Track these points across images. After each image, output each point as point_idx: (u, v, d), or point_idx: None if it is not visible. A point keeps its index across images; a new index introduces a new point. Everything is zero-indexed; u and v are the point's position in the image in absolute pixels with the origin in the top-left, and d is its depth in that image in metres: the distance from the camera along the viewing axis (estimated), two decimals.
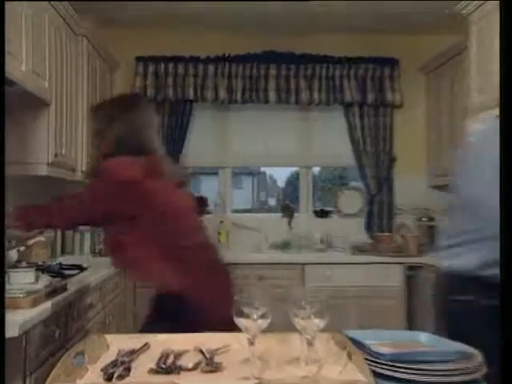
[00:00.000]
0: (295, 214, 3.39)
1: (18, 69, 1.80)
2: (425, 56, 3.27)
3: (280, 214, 3.41)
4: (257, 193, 5.89)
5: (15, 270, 1.46)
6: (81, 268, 2.16)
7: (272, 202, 5.97)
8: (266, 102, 3.25)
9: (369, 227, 3.31)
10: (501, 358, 0.78)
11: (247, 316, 0.83)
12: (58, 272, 1.83)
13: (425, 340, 0.96)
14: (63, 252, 2.85)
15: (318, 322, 0.83)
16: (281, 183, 5.45)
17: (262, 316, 0.84)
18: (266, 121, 3.41)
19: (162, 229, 1.46)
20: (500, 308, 0.81)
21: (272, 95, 3.23)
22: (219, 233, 3.27)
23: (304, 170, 3.53)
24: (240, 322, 0.83)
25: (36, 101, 2.06)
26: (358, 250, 3.07)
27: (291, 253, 3.11)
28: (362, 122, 3.30)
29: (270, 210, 5.01)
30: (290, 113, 3.39)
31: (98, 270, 2.19)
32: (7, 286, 1.35)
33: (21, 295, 1.38)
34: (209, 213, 3.40)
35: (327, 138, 3.40)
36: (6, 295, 1.30)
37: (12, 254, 1.94)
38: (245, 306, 0.85)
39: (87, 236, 2.91)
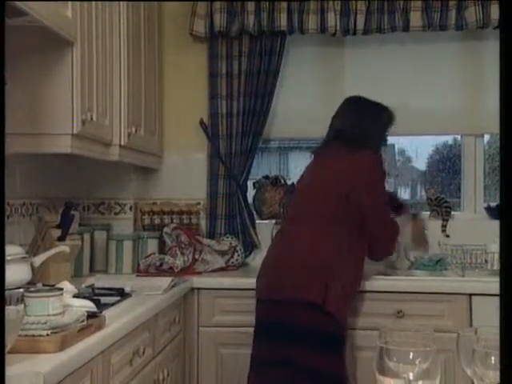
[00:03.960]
0: (453, 214, 3.27)
1: None
2: None
3: (425, 213, 3.29)
4: None
5: (33, 294, 1.49)
6: (122, 293, 2.19)
7: (405, 193, 5.76)
8: (406, 28, 3.10)
9: None
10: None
11: (395, 375, 0.88)
12: (91, 299, 1.84)
13: None
14: (92, 269, 2.93)
15: None
16: (420, 163, 5.21)
17: (422, 376, 0.88)
18: (402, 62, 3.31)
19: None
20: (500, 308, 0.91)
21: (416, 17, 3.10)
22: None
23: (468, 140, 3.35)
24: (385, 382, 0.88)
25: (54, 39, 2.10)
26: None
27: (449, 275, 2.93)
28: None
29: None
30: (444, 46, 3.25)
31: (146, 298, 2.22)
32: (25, 319, 1.38)
33: (44, 332, 1.42)
34: None
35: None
36: (22, 332, 1.35)
37: (23, 270, 1.99)
38: (391, 356, 0.90)
39: (128, 246, 2.95)
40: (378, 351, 0.96)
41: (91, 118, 2.32)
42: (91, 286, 2.27)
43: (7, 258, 1.87)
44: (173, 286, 2.45)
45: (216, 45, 3.22)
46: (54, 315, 1.47)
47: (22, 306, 1.47)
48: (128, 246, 2.96)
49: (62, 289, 1.56)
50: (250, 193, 3.34)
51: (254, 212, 3.30)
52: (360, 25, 3.08)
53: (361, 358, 2.61)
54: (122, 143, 2.64)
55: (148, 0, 2.99)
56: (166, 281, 2.43)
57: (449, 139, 3.84)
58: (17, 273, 1.95)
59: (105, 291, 2.19)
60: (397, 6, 3.08)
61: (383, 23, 3.08)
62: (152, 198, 3.29)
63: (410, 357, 0.89)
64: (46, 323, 1.43)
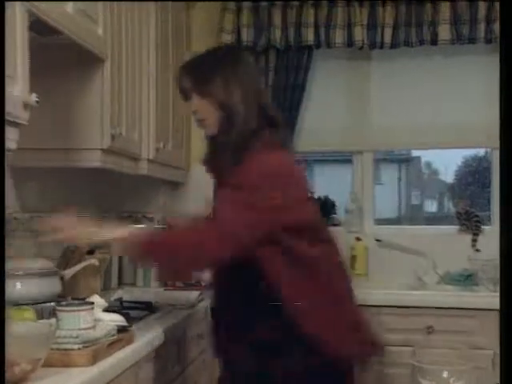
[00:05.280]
0: (483, 228, 3.22)
1: (63, 10, 1.85)
2: None
3: (455, 227, 3.24)
4: (406, 191, 5.69)
5: (65, 308, 1.51)
6: (150, 307, 2.20)
7: (431, 206, 5.73)
8: (434, 42, 3.09)
9: None
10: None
11: None
12: (120, 312, 1.85)
13: None
14: (120, 282, 2.94)
15: None
16: (447, 176, 5.19)
17: None
18: (429, 75, 3.29)
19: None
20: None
21: (444, 30, 3.08)
22: (353, 256, 3.17)
23: (498, 154, 3.31)
24: None
25: (86, 56, 2.13)
26: None
27: (479, 291, 2.89)
28: None
29: (431, 219, 4.78)
30: (472, 59, 3.23)
31: (174, 312, 2.23)
32: (57, 333, 1.40)
33: (75, 346, 1.44)
34: (336, 224, 3.34)
35: None
36: (54, 345, 1.36)
37: (53, 284, 2.01)
38: (424, 375, 0.91)
39: None
40: (412, 369, 0.96)
41: (120, 133, 2.35)
42: (120, 300, 2.29)
43: (39, 271, 1.91)
44: (200, 300, 2.45)
45: None
46: (85, 329, 1.48)
47: (54, 319, 1.49)
48: None
49: (92, 303, 1.58)
50: None
51: None
52: (387, 38, 3.08)
53: (390, 374, 2.59)
54: (151, 157, 2.66)
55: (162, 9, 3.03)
56: (193, 294, 2.44)
57: (479, 151, 3.81)
58: (47, 286, 1.96)
59: (133, 305, 2.21)
60: (425, 18, 3.07)
61: (411, 37, 3.08)
62: (179, 212, 3.31)
63: (444, 375, 0.88)
64: (77, 337, 1.45)
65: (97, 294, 2.04)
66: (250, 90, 1.75)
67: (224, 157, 1.72)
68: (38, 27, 1.77)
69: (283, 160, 1.74)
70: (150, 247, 1.67)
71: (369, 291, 2.84)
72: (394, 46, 3.10)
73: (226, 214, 1.65)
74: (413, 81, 3.29)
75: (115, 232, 1.72)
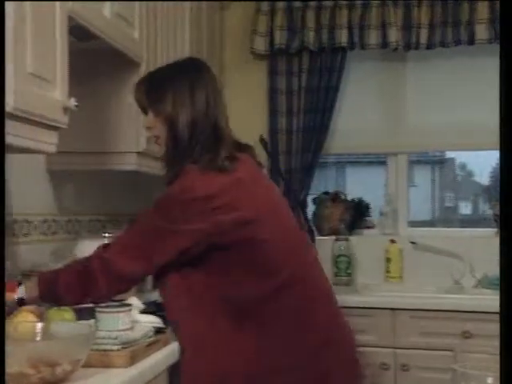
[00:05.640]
0: None
1: (100, 15, 1.87)
2: None
3: (492, 230, 3.19)
4: (440, 193, 5.63)
5: (104, 310, 1.52)
6: None
7: (466, 208, 5.65)
8: (471, 42, 3.05)
9: None
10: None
11: None
12: (156, 314, 1.86)
13: None
14: (155, 285, 2.95)
15: None
16: (482, 177, 5.11)
17: None
18: (465, 75, 3.24)
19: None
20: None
21: (481, 30, 3.03)
22: (387, 259, 3.15)
23: None
24: None
25: (122, 60, 2.15)
26: None
27: None
28: None
29: (466, 222, 4.71)
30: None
31: None
32: (96, 334, 1.40)
33: (114, 347, 1.45)
34: (370, 226, 3.32)
35: None
36: (93, 346, 1.37)
37: None
38: (468, 381, 0.89)
39: None
40: (453, 374, 0.94)
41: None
42: (155, 302, 2.30)
43: None
44: None
45: (276, 62, 3.24)
46: (124, 330, 1.49)
47: (93, 320, 1.51)
48: None
49: (130, 304, 1.60)
50: (310, 209, 3.34)
51: (314, 228, 3.30)
52: (423, 39, 3.04)
53: (426, 378, 2.56)
54: None
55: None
56: None
57: None
58: None
59: None
60: (461, 18, 3.03)
61: (447, 37, 3.04)
62: None
63: (489, 382, 0.86)
64: (116, 338, 1.45)
65: (133, 295, 2.07)
66: (202, 109, 1.67)
67: (165, 176, 1.71)
68: (76, 32, 1.80)
69: (210, 183, 1.60)
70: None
71: (403, 294, 2.82)
72: (429, 46, 3.06)
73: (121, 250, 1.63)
74: (448, 82, 3.24)
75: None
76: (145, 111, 1.76)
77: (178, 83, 1.69)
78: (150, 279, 2.91)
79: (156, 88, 1.71)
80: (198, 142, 1.65)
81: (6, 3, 1.34)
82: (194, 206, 1.57)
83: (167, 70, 1.78)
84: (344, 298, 2.34)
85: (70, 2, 1.64)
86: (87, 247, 1.93)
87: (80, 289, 1.61)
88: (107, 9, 1.93)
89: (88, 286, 1.60)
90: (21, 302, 1.60)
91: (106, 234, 2.00)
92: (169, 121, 1.67)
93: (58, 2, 1.57)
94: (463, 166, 5.76)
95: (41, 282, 1.65)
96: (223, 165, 1.62)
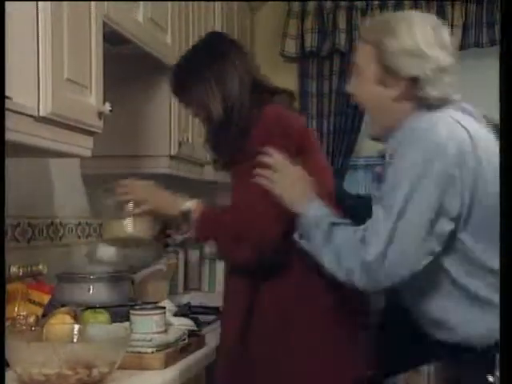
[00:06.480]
0: None
1: (134, 19, 1.89)
2: None
3: None
4: None
5: (139, 312, 1.53)
6: (217, 311, 2.21)
7: None
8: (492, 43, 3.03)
9: None
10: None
11: None
12: (189, 317, 1.87)
13: None
14: (186, 287, 2.97)
15: None
16: None
17: None
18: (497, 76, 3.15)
19: None
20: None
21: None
22: None
23: None
24: None
25: (155, 65, 2.17)
26: None
27: None
28: None
29: None
30: None
31: None
32: (131, 336, 1.41)
33: (149, 350, 1.46)
34: None
35: None
36: (128, 348, 1.36)
37: (125, 288, 2.06)
38: None
39: (220, 265, 2.99)
40: None
41: (187, 140, 2.39)
42: (188, 305, 2.31)
43: (111, 275, 1.95)
44: None
45: (307, 64, 3.24)
46: (159, 333, 1.50)
47: (128, 323, 1.52)
48: (221, 264, 2.99)
49: (164, 307, 1.60)
50: None
51: None
52: (456, 39, 3.02)
53: None
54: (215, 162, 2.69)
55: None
56: None
57: None
58: (118, 290, 2.01)
59: (201, 309, 2.22)
60: (496, 18, 3.00)
61: (481, 37, 3.02)
62: None
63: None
64: (150, 341, 1.46)
65: (164, 298, 2.08)
66: (244, 75, 1.68)
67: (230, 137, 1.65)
68: (110, 37, 1.82)
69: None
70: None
71: None
72: (463, 47, 3.04)
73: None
74: (482, 82, 3.19)
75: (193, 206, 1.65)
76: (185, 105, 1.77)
77: (211, 63, 1.67)
78: (181, 282, 2.95)
79: (189, 77, 1.70)
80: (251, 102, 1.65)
81: (44, 9, 1.36)
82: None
83: (195, 54, 1.77)
84: None
85: (105, 8, 1.67)
86: (107, 250, 1.97)
87: None
88: (140, 14, 1.95)
89: None
90: (187, 215, 1.60)
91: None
92: (203, 107, 1.67)
93: (93, 9, 1.59)
94: None
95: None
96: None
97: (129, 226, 1.71)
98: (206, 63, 1.69)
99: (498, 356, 1.28)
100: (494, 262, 1.34)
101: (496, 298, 1.30)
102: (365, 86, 1.50)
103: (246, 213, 1.53)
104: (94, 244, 2.36)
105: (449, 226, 1.35)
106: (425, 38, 1.41)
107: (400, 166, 1.38)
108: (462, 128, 1.39)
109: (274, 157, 1.50)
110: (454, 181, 1.34)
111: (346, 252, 1.39)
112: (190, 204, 1.64)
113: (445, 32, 1.46)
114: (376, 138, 1.58)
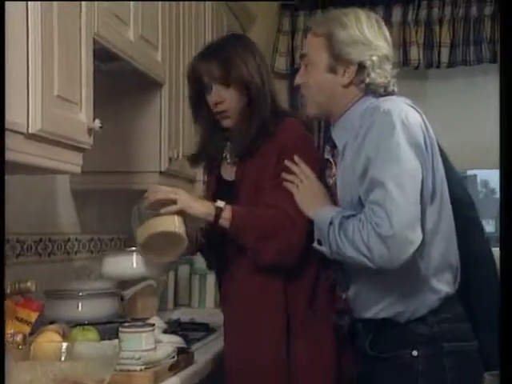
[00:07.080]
0: None
1: (125, 37, 1.91)
2: None
3: None
4: None
5: (128, 329, 1.52)
6: (207, 328, 2.21)
7: (488, 225, 5.59)
8: (493, 60, 3.09)
9: None
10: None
11: None
12: (179, 334, 1.87)
13: None
14: (176, 303, 2.96)
15: None
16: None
17: None
18: (487, 94, 3.19)
19: None
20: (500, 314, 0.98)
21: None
22: None
23: None
24: None
25: (145, 81, 2.17)
26: None
27: None
28: None
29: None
30: None
31: None
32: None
33: (138, 368, 1.46)
34: None
35: None
36: (117, 366, 1.36)
37: (113, 304, 2.04)
38: None
39: (210, 280, 2.98)
40: None
41: (177, 156, 2.39)
42: (177, 321, 2.31)
43: (100, 292, 1.94)
44: None
45: None
46: (147, 351, 1.49)
47: (117, 340, 1.51)
48: (211, 280, 2.99)
49: (153, 324, 1.59)
50: None
51: None
52: (444, 57, 3.06)
53: None
54: (206, 179, 2.69)
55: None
56: None
57: None
58: (108, 306, 1.99)
59: (190, 326, 2.22)
60: (483, 36, 3.04)
61: (469, 55, 3.05)
62: None
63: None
64: (139, 358, 1.45)
65: (154, 314, 2.07)
66: (266, 73, 1.80)
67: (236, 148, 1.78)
68: (100, 54, 1.83)
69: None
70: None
71: None
72: (451, 65, 3.07)
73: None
74: (469, 100, 3.23)
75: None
76: (207, 89, 1.79)
77: (241, 51, 1.78)
78: (171, 298, 2.93)
79: (225, 58, 1.76)
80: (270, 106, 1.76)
81: (34, 26, 1.37)
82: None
83: (225, 42, 1.87)
84: None
85: (96, 25, 1.67)
86: (113, 265, 1.96)
87: None
88: (131, 31, 1.96)
89: None
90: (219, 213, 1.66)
91: (133, 248, 1.99)
92: (244, 86, 1.74)
93: (83, 26, 1.59)
94: (485, 183, 5.71)
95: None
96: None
97: (169, 222, 1.71)
98: (239, 44, 1.81)
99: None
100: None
101: None
102: (317, 75, 1.65)
103: (278, 214, 1.65)
104: (90, 259, 2.36)
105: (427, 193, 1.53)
106: (370, 30, 1.60)
107: (378, 144, 1.52)
108: (416, 112, 1.58)
109: (301, 166, 1.68)
110: (424, 152, 1.55)
111: (361, 236, 1.48)
112: (221, 203, 1.70)
113: (385, 28, 1.66)
114: (315, 117, 1.88)
